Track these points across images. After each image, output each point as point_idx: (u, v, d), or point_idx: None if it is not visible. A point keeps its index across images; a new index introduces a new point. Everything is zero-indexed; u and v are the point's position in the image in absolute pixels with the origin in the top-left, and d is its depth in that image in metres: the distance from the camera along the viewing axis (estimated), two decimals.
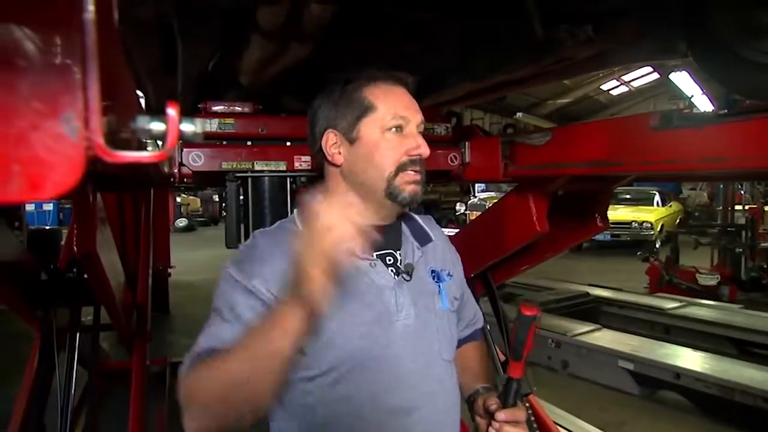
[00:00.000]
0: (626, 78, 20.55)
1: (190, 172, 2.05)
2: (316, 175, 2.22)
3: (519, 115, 18.31)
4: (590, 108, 22.43)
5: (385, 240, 1.17)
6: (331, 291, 0.88)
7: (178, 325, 6.83)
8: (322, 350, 1.07)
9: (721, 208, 10.39)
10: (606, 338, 4.98)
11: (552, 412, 2.61)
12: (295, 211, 1.25)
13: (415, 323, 1.15)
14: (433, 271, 1.23)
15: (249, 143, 2.14)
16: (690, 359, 4.49)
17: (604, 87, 21.36)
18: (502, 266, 2.28)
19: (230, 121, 2.10)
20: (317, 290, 0.87)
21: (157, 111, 0.55)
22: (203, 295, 8.17)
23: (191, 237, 17.09)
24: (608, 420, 3.59)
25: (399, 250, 1.20)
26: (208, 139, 2.12)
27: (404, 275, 1.16)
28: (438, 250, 1.28)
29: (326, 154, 1.16)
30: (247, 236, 2.24)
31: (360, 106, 1.13)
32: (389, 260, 1.18)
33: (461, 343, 1.36)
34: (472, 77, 1.93)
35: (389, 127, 1.13)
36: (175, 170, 2.00)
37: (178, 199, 20.14)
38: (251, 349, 0.94)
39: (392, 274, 1.16)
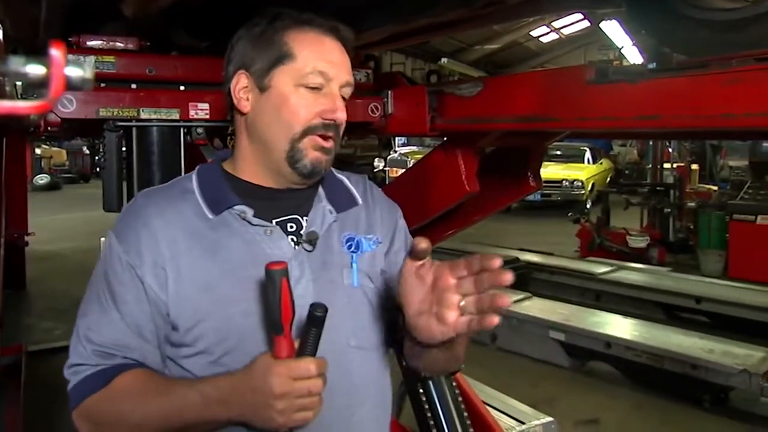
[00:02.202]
0: (556, 25, 21.18)
1: (58, 119, 1.95)
2: (224, 125, 2.18)
3: (444, 60, 18.47)
4: (520, 55, 23.00)
5: (292, 204, 1.15)
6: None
7: (37, 305, 6.50)
8: (196, 329, 1.06)
9: (650, 166, 11.12)
10: (536, 307, 5.26)
11: (481, 391, 2.75)
12: (197, 167, 1.21)
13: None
14: (349, 240, 1.16)
15: (133, 86, 2.06)
16: (620, 327, 4.84)
17: (534, 33, 21.90)
18: (426, 231, 2.33)
19: (110, 59, 1.99)
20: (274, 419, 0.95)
21: (15, 45, 0.53)
22: (71, 268, 7.84)
23: (55, 197, 16.20)
24: (539, 396, 3.84)
25: (306, 216, 1.15)
26: None
27: (305, 245, 1.11)
28: (364, 215, 1.21)
29: (234, 98, 1.13)
30: (130, 197, 2.17)
31: (278, 50, 1.09)
32: (291, 227, 1.14)
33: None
34: (396, 19, 1.93)
35: (306, 83, 1.09)
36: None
37: (38, 151, 18.97)
38: (163, 413, 1.02)
39: (292, 243, 1.12)
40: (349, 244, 1.16)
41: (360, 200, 1.23)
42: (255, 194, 1.14)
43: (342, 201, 1.20)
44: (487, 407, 2.27)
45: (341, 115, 1.11)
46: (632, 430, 3.87)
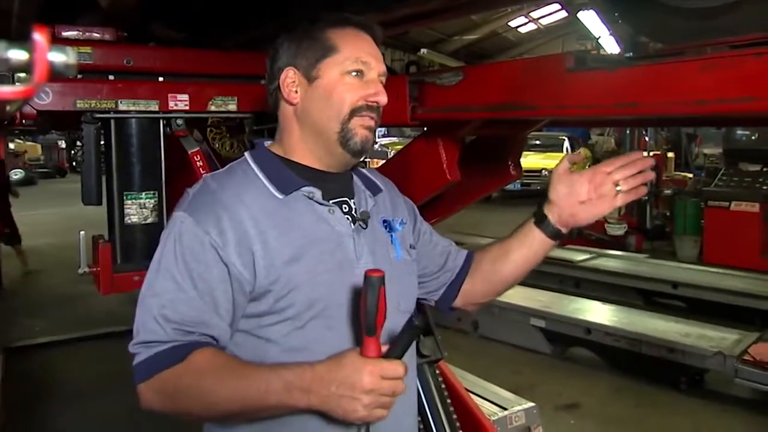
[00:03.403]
0: (535, 15, 21.23)
1: (34, 111, 1.92)
2: (203, 117, 2.15)
3: (423, 51, 18.40)
4: (499, 46, 23.02)
5: (339, 187, 1.29)
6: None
7: (15, 303, 6.42)
8: (287, 297, 1.16)
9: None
10: (517, 295, 5.28)
11: (463, 378, 2.77)
12: (246, 153, 1.30)
13: None
14: (384, 221, 1.33)
15: (111, 78, 2.03)
16: (599, 313, 4.91)
17: (513, 24, 21.94)
18: None
19: (87, 50, 1.97)
20: (355, 410, 1.04)
21: None
22: (51, 263, 7.75)
23: (31, 192, 15.97)
24: (521, 382, 3.88)
25: (353, 198, 1.30)
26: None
27: (360, 223, 1.26)
28: (387, 199, 1.38)
29: (283, 92, 1.25)
30: (109, 190, 2.15)
31: (322, 46, 1.23)
32: (345, 208, 1.27)
33: (460, 277, 1.47)
34: (376, 7, 1.93)
35: (349, 71, 1.22)
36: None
37: (12, 146, 18.67)
38: (243, 393, 1.07)
39: (349, 222, 1.25)
40: (385, 224, 1.33)
41: (383, 187, 1.39)
42: (311, 176, 1.25)
43: (371, 187, 1.36)
44: (470, 394, 2.29)
45: (383, 98, 1.24)
46: (611, 413, 3.93)
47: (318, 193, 1.22)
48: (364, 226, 1.26)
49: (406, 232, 1.37)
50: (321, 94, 1.23)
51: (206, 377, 1.10)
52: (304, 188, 1.22)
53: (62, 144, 20.89)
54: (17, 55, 0.52)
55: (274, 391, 1.06)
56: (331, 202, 1.24)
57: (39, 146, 20.77)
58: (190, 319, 1.13)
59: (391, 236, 1.32)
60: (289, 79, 1.25)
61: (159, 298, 1.14)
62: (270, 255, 1.15)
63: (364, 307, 1.04)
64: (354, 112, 1.22)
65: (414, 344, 1.53)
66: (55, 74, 0.54)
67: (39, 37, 0.51)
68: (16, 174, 17.54)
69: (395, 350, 1.08)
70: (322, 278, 1.18)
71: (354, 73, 1.22)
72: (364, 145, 1.24)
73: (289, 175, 1.24)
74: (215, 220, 1.15)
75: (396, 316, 1.22)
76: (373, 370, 1.03)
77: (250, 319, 1.19)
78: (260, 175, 1.23)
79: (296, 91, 1.24)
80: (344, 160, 1.27)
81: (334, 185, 1.28)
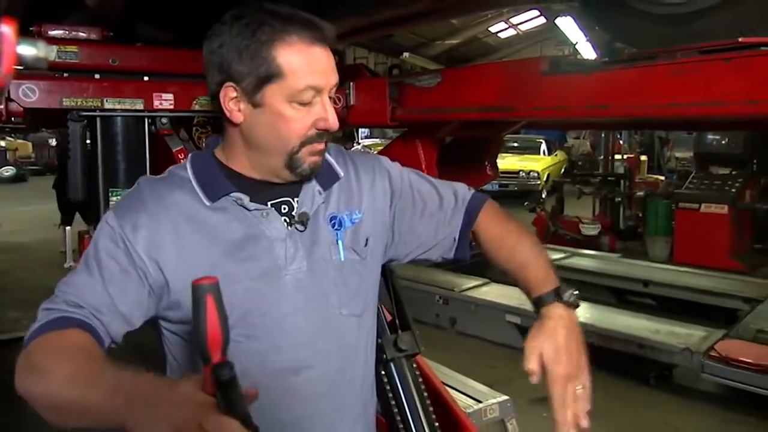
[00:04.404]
0: (514, 21, 21.32)
1: (21, 109, 1.89)
2: (189, 115, 2.14)
3: (406, 55, 18.47)
4: (479, 50, 23.09)
5: (283, 188, 1.17)
6: None
7: (4, 297, 6.33)
8: (194, 361, 1.08)
9: (602, 157, 11.32)
10: (494, 292, 5.30)
11: (440, 372, 2.76)
12: (189, 156, 1.22)
13: (308, 277, 1.15)
14: (332, 218, 1.20)
15: (97, 76, 2.00)
16: None
17: (493, 29, 22.02)
18: None
19: (73, 49, 1.94)
20: None
21: None
22: (40, 259, 7.65)
23: (22, 189, 15.78)
24: (497, 377, 3.88)
25: (297, 197, 1.19)
26: (44, 70, 1.95)
27: (297, 226, 1.16)
28: (345, 187, 1.25)
29: (225, 107, 1.11)
30: (95, 188, 2.12)
31: (268, 68, 1.06)
32: (284, 209, 1.17)
33: (463, 243, 1.35)
34: (361, 11, 1.92)
35: (299, 100, 1.08)
36: (1, 107, 1.83)
37: (2, 143, 18.44)
38: (86, 396, 0.91)
39: (285, 224, 1.16)
40: (333, 222, 1.20)
41: (341, 173, 1.25)
42: (249, 183, 1.16)
43: (327, 178, 1.22)
44: (447, 388, 2.29)
45: (334, 124, 1.12)
46: None
47: (246, 199, 1.12)
48: (302, 229, 1.16)
49: (365, 223, 1.24)
50: (266, 122, 1.09)
51: (62, 354, 0.98)
52: (233, 194, 1.12)
53: (53, 142, 20.63)
54: None
55: (104, 385, 0.89)
56: (269, 203, 1.15)
57: (30, 144, 20.50)
58: (86, 301, 1.05)
59: (337, 235, 1.20)
60: (230, 96, 1.09)
61: (68, 287, 1.09)
62: (184, 260, 1.09)
63: (194, 327, 0.77)
64: (304, 143, 1.10)
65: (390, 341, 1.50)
66: (26, 66, 0.52)
67: (6, 29, 0.49)
68: (8, 171, 17.33)
69: (232, 406, 0.76)
70: (240, 286, 1.09)
71: (305, 102, 1.08)
72: (314, 170, 1.15)
73: (222, 182, 1.14)
74: (134, 218, 1.10)
75: (339, 321, 1.19)
76: (195, 414, 0.76)
77: (176, 324, 1.14)
78: (193, 180, 1.15)
79: (239, 110, 1.10)
80: (292, 180, 1.16)
81: (278, 188, 1.17)
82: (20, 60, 0.50)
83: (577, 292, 1.22)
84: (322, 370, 1.16)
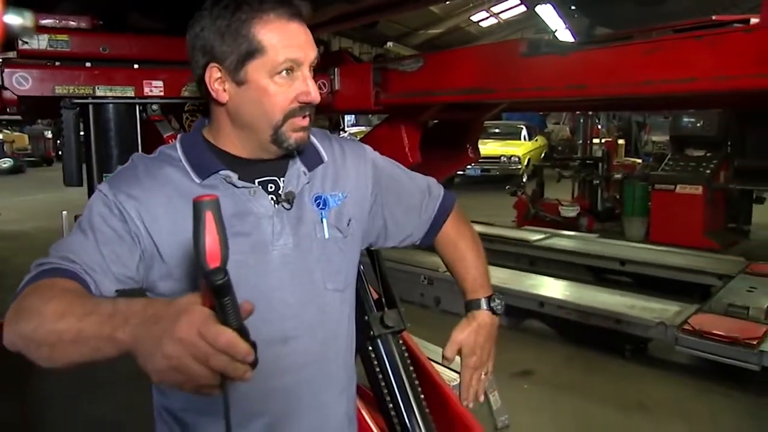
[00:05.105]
0: (495, 10, 21.28)
1: (14, 97, 1.86)
2: (179, 102, 2.12)
3: (390, 44, 18.38)
4: (461, 39, 23.02)
5: (270, 166, 1.18)
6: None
7: (5, 282, 6.28)
8: (194, 278, 1.07)
9: (581, 141, 11.36)
10: None
11: (425, 348, 2.77)
12: (178, 137, 1.23)
13: (294, 252, 1.17)
14: (317, 198, 1.22)
15: (88, 64, 1.98)
16: (552, 288, 4.95)
17: (474, 18, 21.98)
18: None
19: (64, 37, 1.92)
20: (156, 360, 0.78)
21: None
22: (38, 246, 7.58)
23: (20, 180, 15.63)
24: None
25: (283, 176, 1.20)
26: (37, 59, 1.92)
27: (284, 204, 1.17)
28: (330, 170, 1.26)
29: (210, 89, 1.12)
30: (89, 172, 2.11)
31: (248, 45, 1.08)
32: (271, 187, 1.18)
33: (431, 233, 1.42)
34: None
35: (279, 71, 1.09)
36: None
37: (0, 136, 18.22)
38: (65, 327, 0.88)
39: (272, 202, 1.17)
40: (317, 201, 1.22)
41: (326, 157, 1.26)
42: (237, 162, 1.17)
43: (312, 160, 1.24)
44: (432, 362, 2.29)
45: (315, 96, 1.13)
46: (563, 379, 3.98)
47: (234, 177, 1.13)
48: (288, 207, 1.17)
49: (348, 205, 1.26)
50: (251, 98, 1.11)
51: (55, 290, 0.95)
52: (221, 172, 1.13)
53: (48, 134, 20.39)
54: None
55: (100, 312, 0.86)
56: (256, 182, 1.16)
57: (26, 136, 20.25)
58: (79, 257, 1.04)
59: (321, 213, 1.22)
60: (214, 76, 1.11)
61: (61, 246, 1.07)
62: (176, 235, 1.08)
63: (194, 241, 0.76)
64: (287, 116, 1.12)
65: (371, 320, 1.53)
66: (12, 34, 0.52)
67: None
68: (5, 162, 17.14)
69: (225, 316, 0.77)
70: (230, 259, 1.09)
71: (284, 72, 1.10)
72: (299, 145, 1.16)
73: (211, 160, 1.15)
74: (128, 188, 1.10)
75: (324, 296, 1.21)
76: (194, 321, 0.76)
77: (166, 297, 1.09)
78: (183, 158, 1.16)
79: (224, 89, 1.11)
80: (279, 155, 1.18)
81: (264, 165, 1.18)
82: (7, 29, 0.49)
83: (502, 302, 1.46)
84: (308, 341, 1.18)
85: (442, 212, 1.43)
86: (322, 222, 1.21)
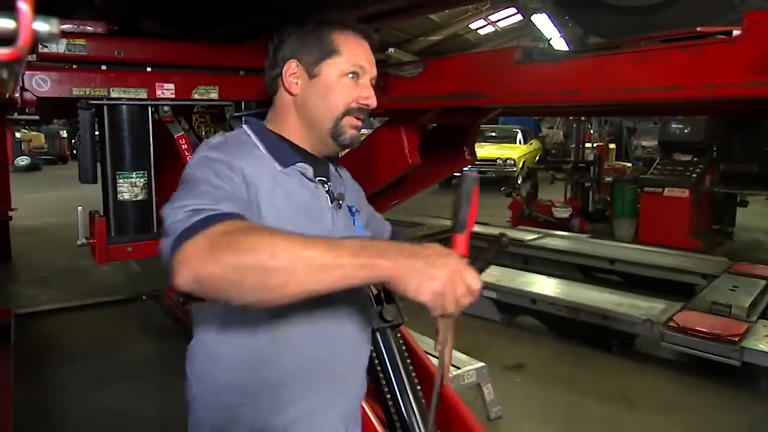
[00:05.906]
0: (493, 18, 21.28)
1: (34, 98, 1.88)
2: (189, 104, 2.13)
3: (391, 51, 18.36)
4: (460, 46, 23.00)
5: (321, 169, 1.27)
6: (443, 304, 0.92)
7: (22, 275, 6.31)
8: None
9: (574, 145, 11.35)
10: None
11: (422, 342, 2.78)
12: (244, 126, 1.27)
13: None
14: (349, 207, 1.33)
15: (103, 67, 1.99)
16: (544, 286, 4.96)
17: (473, 26, 21.97)
18: (375, 200, 2.34)
19: (81, 42, 1.94)
20: (431, 292, 0.90)
21: None
22: (54, 240, 7.62)
23: (37, 177, 15.63)
24: (474, 346, 3.90)
25: (329, 181, 1.29)
26: (56, 62, 1.93)
27: (337, 202, 1.27)
28: (348, 189, 1.37)
29: (284, 81, 1.24)
30: (103, 170, 2.12)
31: (327, 47, 1.22)
32: (326, 187, 1.27)
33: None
34: (352, 5, 1.90)
35: (347, 73, 1.22)
36: (17, 95, 1.82)
37: (18, 135, 18.21)
38: (316, 254, 0.88)
39: (328, 199, 1.26)
40: (350, 209, 1.34)
41: (344, 177, 1.39)
42: (302, 155, 1.25)
43: (341, 175, 1.37)
44: (428, 355, 2.31)
45: (373, 102, 1.24)
46: (553, 373, 3.99)
47: (310, 170, 1.22)
48: (339, 206, 1.27)
49: (362, 219, 1.39)
50: (319, 91, 1.22)
51: (266, 230, 0.94)
52: (299, 164, 1.22)
53: (64, 134, 20.39)
54: (4, 23, 0.50)
55: (344, 246, 0.90)
56: (317, 179, 1.25)
57: (42, 135, 20.25)
58: (230, 207, 1.01)
59: (354, 218, 1.33)
60: (291, 70, 1.23)
61: (195, 198, 1.01)
62: (275, 209, 1.12)
63: (456, 204, 0.98)
64: (346, 113, 1.22)
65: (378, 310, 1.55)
66: (40, 41, 0.53)
67: (23, 5, 0.50)
68: (23, 161, 17.16)
69: (480, 261, 0.99)
70: None
71: (351, 75, 1.22)
72: (353, 142, 1.26)
73: (287, 150, 1.23)
74: (233, 158, 1.11)
75: (358, 289, 1.26)
76: (458, 264, 0.91)
77: None
78: (260, 146, 1.22)
79: (297, 83, 1.23)
80: (332, 150, 1.28)
81: (319, 166, 1.27)
82: (35, 35, 0.50)
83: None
84: (353, 327, 1.28)
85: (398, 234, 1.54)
86: (355, 224, 1.33)
